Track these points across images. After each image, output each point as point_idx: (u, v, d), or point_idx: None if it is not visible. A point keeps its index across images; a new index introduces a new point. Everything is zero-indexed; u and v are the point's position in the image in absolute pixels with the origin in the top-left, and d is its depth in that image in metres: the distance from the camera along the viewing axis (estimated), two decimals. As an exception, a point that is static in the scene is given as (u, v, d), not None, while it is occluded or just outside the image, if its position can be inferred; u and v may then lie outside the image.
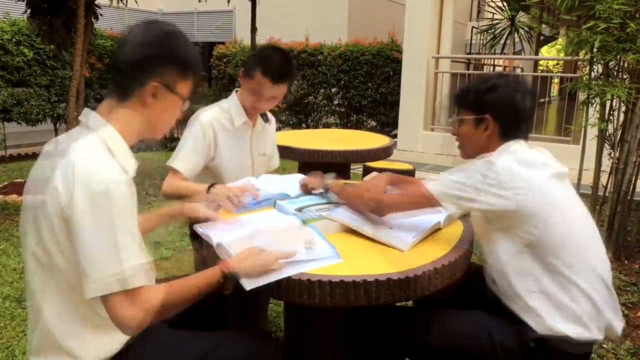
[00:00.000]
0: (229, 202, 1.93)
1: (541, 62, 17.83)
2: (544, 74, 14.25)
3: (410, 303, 2.12)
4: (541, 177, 1.58)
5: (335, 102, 9.93)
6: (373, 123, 9.79)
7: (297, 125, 10.13)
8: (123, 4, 6.63)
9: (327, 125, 10.01)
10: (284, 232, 1.71)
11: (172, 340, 1.47)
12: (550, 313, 1.55)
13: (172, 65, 1.40)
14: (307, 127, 10.06)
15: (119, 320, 1.24)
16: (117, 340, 1.39)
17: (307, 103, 10.01)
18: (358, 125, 9.78)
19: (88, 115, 1.38)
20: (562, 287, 1.55)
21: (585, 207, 1.69)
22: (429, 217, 1.82)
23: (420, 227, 1.74)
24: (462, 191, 1.60)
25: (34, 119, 8.29)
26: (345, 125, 9.83)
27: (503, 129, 1.70)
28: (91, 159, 1.25)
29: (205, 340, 1.46)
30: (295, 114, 10.17)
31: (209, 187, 2.06)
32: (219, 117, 2.36)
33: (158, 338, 1.45)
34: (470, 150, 1.78)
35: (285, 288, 1.43)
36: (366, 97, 9.56)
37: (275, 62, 2.19)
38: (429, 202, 1.65)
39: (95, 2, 5.94)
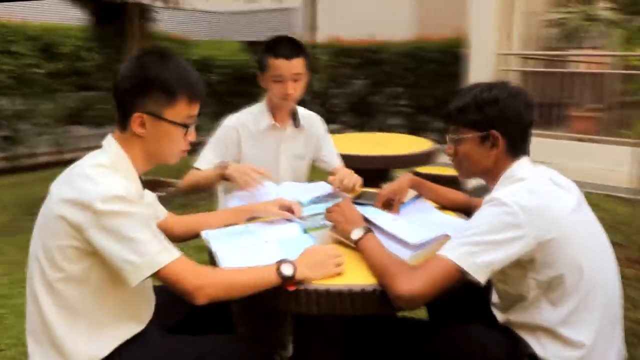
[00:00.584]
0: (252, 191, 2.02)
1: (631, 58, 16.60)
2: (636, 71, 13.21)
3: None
4: (560, 210, 1.46)
5: (401, 103, 9.60)
6: (439, 124, 9.39)
7: (359, 128, 9.89)
8: (181, 5, 6.68)
9: (390, 128, 9.69)
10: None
11: (164, 344, 1.50)
12: (552, 344, 1.48)
13: (153, 92, 1.44)
14: (371, 129, 9.79)
15: (187, 289, 1.36)
16: (108, 342, 1.42)
17: (370, 104, 9.75)
18: (423, 127, 9.41)
19: (106, 139, 1.50)
20: (569, 324, 1.47)
21: (606, 237, 1.58)
22: (435, 228, 1.68)
23: (426, 240, 1.59)
24: (489, 243, 1.42)
25: (102, 122, 8.56)
26: (411, 127, 9.47)
27: (511, 146, 1.57)
28: (100, 171, 1.38)
29: (197, 346, 1.49)
30: (358, 115, 9.93)
31: (221, 171, 2.10)
32: (245, 120, 2.37)
33: (150, 342, 1.48)
34: (473, 170, 1.65)
35: (274, 295, 1.43)
36: (433, 97, 9.17)
37: (280, 40, 2.24)
38: (458, 276, 1.43)
39: (150, 5, 6.00)
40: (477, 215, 1.48)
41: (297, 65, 2.22)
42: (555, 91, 7.85)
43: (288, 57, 2.20)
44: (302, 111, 2.47)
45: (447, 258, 1.41)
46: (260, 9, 13.22)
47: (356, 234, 1.61)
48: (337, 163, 2.60)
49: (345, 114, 9.88)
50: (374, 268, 1.48)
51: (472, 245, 1.41)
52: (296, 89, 2.27)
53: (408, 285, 1.37)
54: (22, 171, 7.63)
